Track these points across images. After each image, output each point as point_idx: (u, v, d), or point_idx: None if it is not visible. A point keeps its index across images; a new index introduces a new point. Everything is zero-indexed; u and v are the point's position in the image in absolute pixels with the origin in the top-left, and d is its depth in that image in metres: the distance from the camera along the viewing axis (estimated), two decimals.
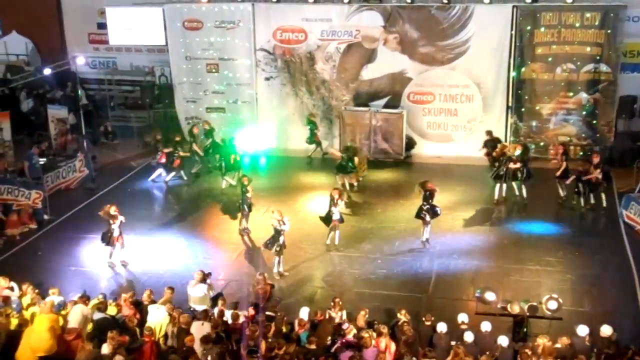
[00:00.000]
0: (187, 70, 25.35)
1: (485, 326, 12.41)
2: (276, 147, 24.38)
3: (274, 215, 15.93)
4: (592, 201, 19.28)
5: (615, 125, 23.10)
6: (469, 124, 23.74)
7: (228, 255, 17.35)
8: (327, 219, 17.03)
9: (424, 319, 12.96)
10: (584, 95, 22.79)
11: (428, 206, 17.11)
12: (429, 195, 17.14)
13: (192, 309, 13.46)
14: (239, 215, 18.15)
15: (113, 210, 16.30)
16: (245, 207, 17.84)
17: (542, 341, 11.78)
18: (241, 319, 12.68)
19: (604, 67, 22.36)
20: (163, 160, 21.68)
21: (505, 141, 23.28)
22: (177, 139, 22.30)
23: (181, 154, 21.95)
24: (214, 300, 13.72)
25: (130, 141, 26.01)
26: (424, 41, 23.41)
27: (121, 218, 16.32)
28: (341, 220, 17.17)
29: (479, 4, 22.66)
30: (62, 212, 19.64)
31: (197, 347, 11.52)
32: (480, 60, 23.08)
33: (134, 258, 16.80)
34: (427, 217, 17.10)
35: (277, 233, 15.81)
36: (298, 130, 24.83)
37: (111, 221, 16.22)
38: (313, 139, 23.53)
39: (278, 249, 15.87)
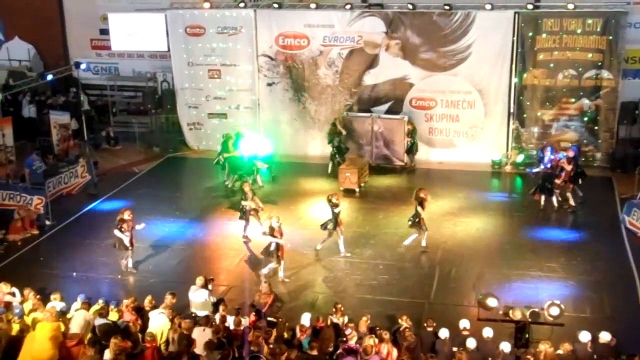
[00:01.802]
0: (189, 76, 25.37)
1: (487, 332, 12.40)
2: (278, 153, 24.36)
3: (272, 221, 15.98)
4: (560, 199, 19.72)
5: (617, 132, 23.11)
6: (470, 130, 23.74)
7: (230, 261, 17.35)
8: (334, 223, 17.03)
9: (425, 324, 12.94)
10: (585, 102, 22.77)
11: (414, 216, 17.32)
12: (419, 205, 17.22)
13: (193, 315, 13.45)
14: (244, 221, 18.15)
15: (127, 215, 16.32)
16: (243, 214, 17.94)
17: (544, 347, 11.74)
18: (243, 325, 12.68)
19: (605, 74, 22.35)
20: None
21: (507, 148, 23.41)
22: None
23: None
24: (216, 306, 13.70)
25: (132, 147, 26.09)
26: (425, 47, 23.43)
27: (138, 227, 16.46)
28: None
29: (480, 10, 22.67)
30: (64, 217, 19.67)
31: (199, 352, 11.53)
32: (482, 66, 23.09)
33: (135, 264, 16.82)
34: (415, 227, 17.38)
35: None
36: (300, 136, 24.89)
37: (120, 226, 16.25)
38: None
39: (267, 255, 15.94)
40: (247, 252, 17.62)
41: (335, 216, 16.96)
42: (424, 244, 17.44)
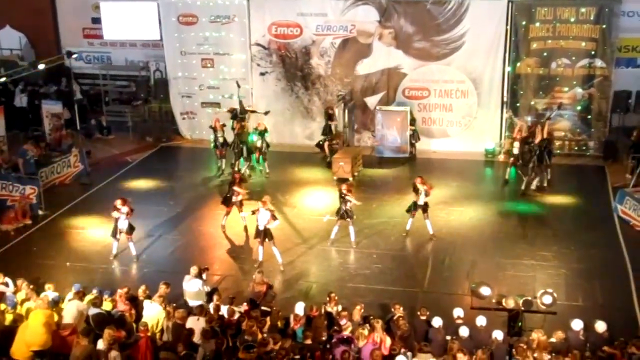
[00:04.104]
0: (182, 65, 25.30)
1: (481, 321, 12.44)
2: (271, 142, 24.33)
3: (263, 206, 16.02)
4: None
5: (610, 120, 23.14)
6: (464, 120, 23.76)
7: (223, 251, 17.35)
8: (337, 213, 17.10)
9: (419, 313, 12.97)
10: (578, 90, 22.82)
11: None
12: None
13: (187, 304, 13.45)
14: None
15: (119, 203, 16.31)
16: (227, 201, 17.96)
17: (537, 335, 11.82)
18: (237, 315, 12.69)
19: (598, 62, 22.40)
20: None
21: (500, 137, 23.44)
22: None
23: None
24: (210, 296, 13.71)
25: (125, 136, 26.02)
26: (419, 36, 23.40)
27: (123, 210, 16.32)
28: (348, 215, 17.06)
29: None
30: (57, 207, 19.61)
31: (196, 341, 11.58)
32: (476, 56, 23.08)
33: (129, 253, 16.82)
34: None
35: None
36: (293, 126, 24.86)
37: (113, 213, 16.27)
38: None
39: (260, 238, 16.02)
40: (241, 240, 17.63)
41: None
42: (431, 231, 17.52)
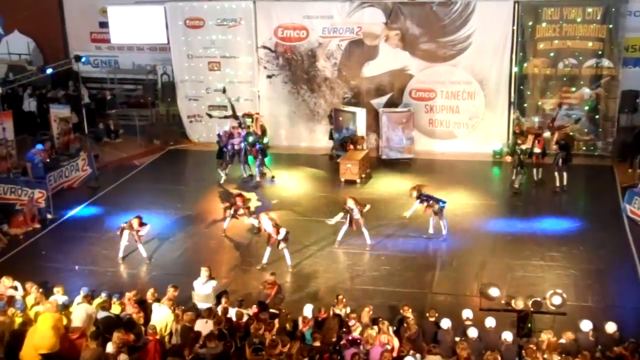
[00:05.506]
0: (189, 69, 25.36)
1: (490, 322, 12.40)
2: (277, 145, 24.41)
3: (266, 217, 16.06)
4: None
5: (618, 120, 23.07)
6: (471, 121, 23.72)
7: (232, 253, 17.35)
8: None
9: (427, 314, 12.96)
10: (586, 90, 22.75)
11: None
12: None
13: (196, 307, 13.46)
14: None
15: (136, 223, 16.32)
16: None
17: (547, 336, 11.79)
18: (245, 317, 12.70)
19: (605, 62, 22.33)
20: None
21: (508, 138, 23.39)
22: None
23: None
24: (218, 298, 13.71)
25: (133, 139, 26.08)
26: (425, 38, 23.39)
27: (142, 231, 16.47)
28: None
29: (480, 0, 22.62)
30: (66, 211, 19.68)
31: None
32: (482, 57, 23.06)
33: (137, 257, 16.82)
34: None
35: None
36: (298, 128, 24.88)
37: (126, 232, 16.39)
38: None
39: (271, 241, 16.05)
40: (250, 244, 17.65)
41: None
42: (431, 231, 17.51)
